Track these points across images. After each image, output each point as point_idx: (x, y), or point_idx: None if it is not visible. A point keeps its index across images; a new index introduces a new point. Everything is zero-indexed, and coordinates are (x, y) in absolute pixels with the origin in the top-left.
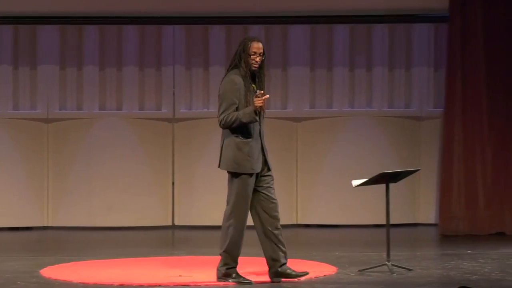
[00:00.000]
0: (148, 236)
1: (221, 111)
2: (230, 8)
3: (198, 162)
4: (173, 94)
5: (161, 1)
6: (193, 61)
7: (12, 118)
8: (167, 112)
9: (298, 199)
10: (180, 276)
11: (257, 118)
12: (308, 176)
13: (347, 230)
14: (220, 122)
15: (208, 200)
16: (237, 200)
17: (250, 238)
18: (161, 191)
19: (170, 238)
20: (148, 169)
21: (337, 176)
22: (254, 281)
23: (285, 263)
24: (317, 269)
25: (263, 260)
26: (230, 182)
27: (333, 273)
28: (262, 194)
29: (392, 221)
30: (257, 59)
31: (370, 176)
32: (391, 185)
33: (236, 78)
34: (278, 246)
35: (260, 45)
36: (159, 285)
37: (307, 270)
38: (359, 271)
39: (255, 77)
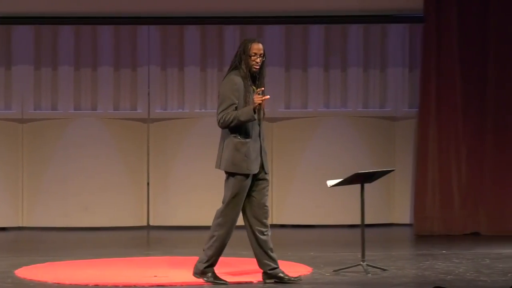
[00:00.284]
0: (123, 237)
1: (219, 110)
2: (205, 8)
3: (173, 162)
4: (148, 94)
5: (136, 1)
6: (168, 61)
7: None
8: (142, 112)
9: (273, 199)
10: (155, 276)
11: (256, 117)
12: (283, 176)
13: (322, 230)
14: (219, 121)
15: (183, 200)
16: (230, 200)
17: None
18: (136, 192)
19: (145, 239)
20: (123, 169)
21: (312, 177)
22: (229, 282)
23: (276, 267)
24: (292, 270)
25: (241, 260)
26: (226, 182)
27: (308, 273)
28: (254, 198)
29: (367, 221)
30: (258, 60)
31: (345, 177)
32: (366, 185)
33: (236, 79)
34: (265, 252)
35: (260, 46)
36: (134, 286)
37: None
38: (334, 271)
39: (255, 79)
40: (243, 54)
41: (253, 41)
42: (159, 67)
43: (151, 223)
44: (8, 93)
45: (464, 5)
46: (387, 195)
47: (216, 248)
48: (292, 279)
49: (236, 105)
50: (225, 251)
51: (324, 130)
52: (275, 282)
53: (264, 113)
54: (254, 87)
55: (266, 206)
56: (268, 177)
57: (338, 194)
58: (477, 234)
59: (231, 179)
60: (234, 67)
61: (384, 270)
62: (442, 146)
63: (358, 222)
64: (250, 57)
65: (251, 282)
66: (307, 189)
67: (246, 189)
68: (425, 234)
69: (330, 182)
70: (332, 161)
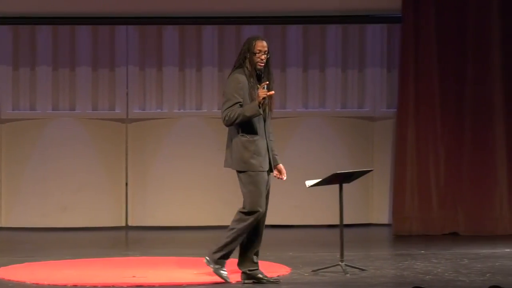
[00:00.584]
0: (102, 237)
1: (224, 108)
2: (184, 8)
3: (151, 162)
4: (127, 94)
5: (114, 1)
6: (147, 61)
7: None
8: (121, 112)
9: None
10: (134, 276)
11: (261, 111)
12: None
13: (301, 231)
14: (224, 119)
15: (161, 201)
16: (252, 198)
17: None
18: (115, 192)
19: (123, 239)
20: (102, 170)
21: (291, 177)
22: (207, 282)
23: (256, 269)
24: (271, 270)
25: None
26: (240, 182)
27: (287, 273)
28: None
29: (345, 222)
30: (263, 57)
31: (324, 177)
32: (345, 186)
33: (240, 77)
34: (252, 253)
35: (265, 43)
36: (113, 286)
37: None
38: (312, 271)
39: (259, 77)
40: (247, 52)
41: (257, 38)
42: (137, 67)
43: (129, 224)
44: None
45: (442, 5)
46: (365, 195)
47: (231, 246)
48: (271, 280)
49: (241, 103)
50: (203, 251)
51: (303, 130)
52: (254, 283)
53: (270, 110)
54: (259, 85)
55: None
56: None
57: (316, 194)
58: (456, 234)
59: (245, 178)
60: (239, 65)
61: (363, 270)
62: (420, 146)
63: (337, 222)
64: (255, 54)
65: (229, 282)
66: (286, 189)
67: (264, 183)
68: (404, 234)
69: (309, 182)
70: (311, 161)
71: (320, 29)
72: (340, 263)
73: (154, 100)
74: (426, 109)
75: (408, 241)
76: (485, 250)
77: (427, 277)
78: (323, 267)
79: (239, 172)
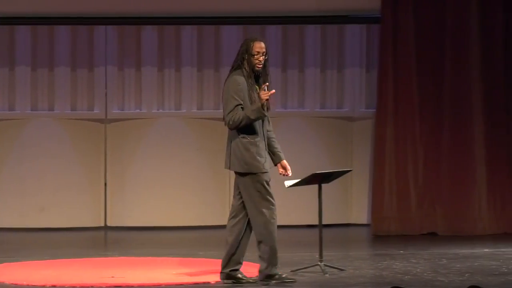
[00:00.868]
0: (80, 237)
1: (227, 112)
2: (163, 8)
3: (130, 162)
4: (105, 94)
5: (93, 1)
6: (126, 61)
7: None
8: (99, 112)
9: (231, 200)
10: (112, 277)
11: (265, 113)
12: None
13: (280, 231)
14: (228, 123)
15: (140, 201)
16: (258, 199)
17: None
18: (93, 192)
19: (102, 239)
20: (80, 170)
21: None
22: (186, 282)
23: (237, 270)
24: (250, 270)
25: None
26: (242, 185)
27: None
28: None
29: (324, 222)
30: (261, 58)
31: (303, 177)
32: (324, 186)
33: (239, 79)
34: (240, 255)
35: (263, 44)
36: (92, 286)
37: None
38: (291, 271)
39: (257, 78)
40: (245, 53)
41: (255, 40)
42: (116, 67)
43: (108, 224)
44: None
45: (421, 5)
46: (344, 195)
47: (270, 250)
48: (250, 280)
49: (241, 105)
50: (182, 251)
51: (282, 130)
52: (233, 283)
53: (268, 109)
54: (257, 86)
55: None
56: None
57: (296, 195)
58: (434, 234)
59: (248, 180)
60: (237, 66)
61: (342, 270)
62: (399, 146)
63: (316, 222)
64: (253, 56)
65: (208, 283)
66: None
67: (268, 183)
68: (383, 234)
69: (288, 183)
70: (290, 162)
71: (299, 29)
72: (319, 263)
73: (133, 100)
74: (404, 109)
75: (387, 241)
76: (464, 250)
77: (406, 277)
78: (302, 267)
79: (240, 174)
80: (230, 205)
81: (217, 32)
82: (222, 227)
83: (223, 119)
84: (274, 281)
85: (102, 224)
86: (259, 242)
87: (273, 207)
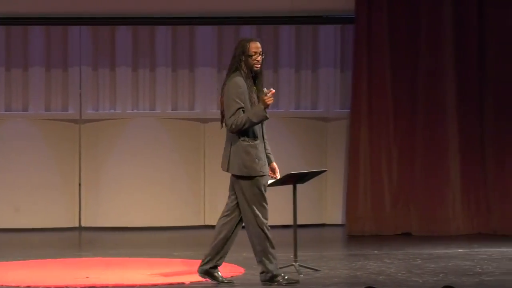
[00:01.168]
0: (55, 238)
1: (229, 115)
2: (137, 9)
3: (105, 163)
4: (80, 95)
5: (67, 1)
6: (100, 61)
7: None
8: (74, 113)
9: (206, 200)
10: (87, 277)
11: (268, 116)
12: (216, 177)
13: None
14: (231, 126)
15: (115, 201)
16: (255, 202)
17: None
18: (68, 193)
19: (77, 240)
20: (55, 170)
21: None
22: (160, 283)
23: (216, 267)
24: (225, 270)
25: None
26: (239, 188)
27: (241, 274)
28: None
29: (299, 222)
30: (259, 58)
31: (278, 177)
32: (299, 186)
33: (240, 81)
34: (225, 252)
35: (259, 44)
36: (66, 287)
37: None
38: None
39: (254, 78)
40: (242, 55)
41: (251, 40)
42: (90, 68)
43: (82, 224)
44: None
45: (395, 6)
46: (319, 195)
47: (268, 248)
48: (225, 280)
49: (243, 108)
50: (156, 252)
51: None
52: (210, 280)
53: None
54: (255, 87)
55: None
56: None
57: (270, 195)
58: (409, 234)
59: (246, 183)
60: (235, 69)
61: (317, 270)
62: (373, 146)
63: (291, 222)
64: (251, 56)
65: (183, 283)
66: None
67: (265, 188)
68: (357, 234)
69: None
70: None
71: (274, 30)
72: (294, 263)
73: (108, 100)
74: (379, 109)
75: (361, 241)
76: (438, 250)
77: (380, 277)
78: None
79: (238, 176)
80: (204, 206)
81: (192, 32)
82: (197, 227)
83: (221, 121)
84: (276, 283)
85: (77, 225)
86: (253, 245)
87: (265, 210)
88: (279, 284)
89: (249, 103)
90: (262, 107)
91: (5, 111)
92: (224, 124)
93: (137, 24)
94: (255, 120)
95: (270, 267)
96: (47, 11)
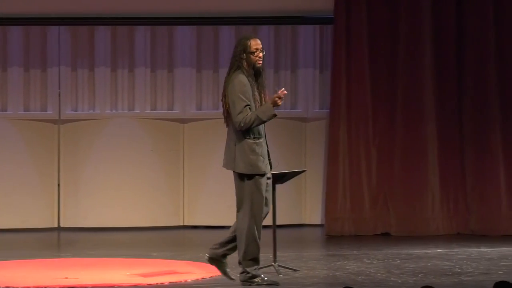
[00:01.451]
0: (33, 238)
1: (236, 113)
2: (115, 9)
3: (84, 163)
4: (59, 95)
5: (46, 1)
6: (79, 62)
7: None
8: (53, 113)
9: (185, 200)
10: (66, 278)
11: (277, 114)
12: (195, 177)
13: None
14: (239, 124)
15: (94, 202)
16: (254, 202)
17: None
18: (47, 193)
19: (55, 240)
20: (33, 171)
21: (224, 177)
22: (141, 283)
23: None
24: (204, 270)
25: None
26: (241, 185)
27: (220, 274)
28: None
29: (278, 222)
30: (260, 54)
31: None
32: (278, 186)
33: (243, 79)
34: (234, 244)
35: (258, 41)
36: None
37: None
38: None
39: (256, 76)
40: (243, 53)
41: (250, 37)
42: (69, 68)
43: (61, 225)
44: None
45: (374, 6)
46: (298, 196)
47: (253, 251)
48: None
49: (249, 106)
50: (135, 252)
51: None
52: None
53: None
54: (256, 84)
55: (267, 205)
56: (270, 175)
57: None
58: (388, 234)
59: (249, 181)
60: (236, 67)
61: (296, 270)
62: (352, 147)
63: (270, 222)
64: (252, 53)
65: (162, 283)
66: (219, 190)
67: (264, 188)
68: (336, 235)
69: None
70: None
71: (253, 30)
72: (273, 263)
73: (86, 101)
74: (358, 110)
75: (340, 242)
76: (417, 251)
77: (360, 277)
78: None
79: (242, 175)
80: (183, 206)
81: (170, 32)
82: (176, 227)
83: (225, 119)
84: (255, 283)
85: (56, 225)
86: (240, 243)
87: (262, 211)
88: (258, 285)
89: (252, 101)
90: (271, 105)
91: None
92: (227, 123)
93: (115, 25)
94: (264, 119)
95: (250, 269)
96: (25, 11)
